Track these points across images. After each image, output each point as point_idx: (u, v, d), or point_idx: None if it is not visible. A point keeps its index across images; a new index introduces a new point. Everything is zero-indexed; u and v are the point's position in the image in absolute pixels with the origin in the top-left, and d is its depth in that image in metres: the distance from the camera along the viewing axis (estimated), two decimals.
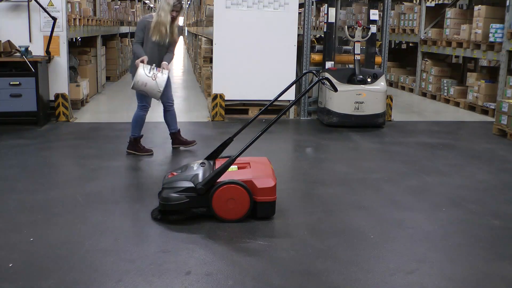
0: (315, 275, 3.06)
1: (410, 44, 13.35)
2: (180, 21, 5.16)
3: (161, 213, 3.82)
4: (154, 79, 5.12)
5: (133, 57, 5.43)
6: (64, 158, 5.74)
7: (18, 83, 6.74)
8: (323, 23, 10.19)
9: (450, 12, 9.90)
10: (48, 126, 7.03)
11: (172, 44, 5.44)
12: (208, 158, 4.23)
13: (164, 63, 5.34)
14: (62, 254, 3.23)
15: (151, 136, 6.78)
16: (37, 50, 7.15)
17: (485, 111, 8.78)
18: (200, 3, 13.19)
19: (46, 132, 6.69)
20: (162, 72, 5.21)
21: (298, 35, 7.97)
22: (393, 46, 14.81)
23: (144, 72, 5.12)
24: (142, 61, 5.21)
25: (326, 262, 3.22)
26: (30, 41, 7.18)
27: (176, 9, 5.26)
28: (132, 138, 5.62)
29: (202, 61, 11.18)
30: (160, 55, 5.41)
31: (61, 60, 7.38)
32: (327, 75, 7.02)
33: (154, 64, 5.23)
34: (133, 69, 5.35)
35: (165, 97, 5.59)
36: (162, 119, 7.78)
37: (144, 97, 5.47)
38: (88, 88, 9.03)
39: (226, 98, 7.68)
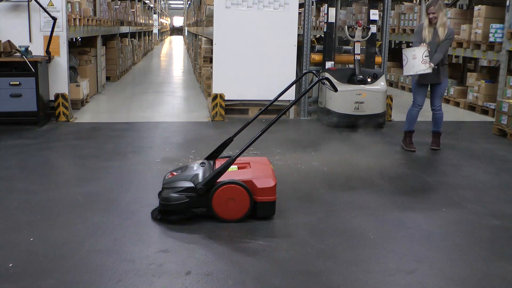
0: (315, 275, 3.06)
1: (410, 44, 13.33)
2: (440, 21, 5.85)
3: (161, 213, 3.82)
4: (422, 62, 5.68)
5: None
6: (64, 158, 5.74)
7: (18, 83, 6.74)
8: (323, 23, 10.18)
9: (450, 12, 9.89)
10: (48, 126, 7.03)
11: (440, 44, 5.81)
12: (208, 158, 4.23)
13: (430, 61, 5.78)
14: (62, 254, 3.24)
15: (151, 135, 6.79)
16: (37, 50, 7.16)
17: (485, 111, 8.78)
18: (200, 3, 13.20)
19: (46, 132, 6.69)
20: (428, 63, 5.68)
21: (298, 35, 7.97)
22: (393, 46, 14.80)
23: (421, 52, 5.68)
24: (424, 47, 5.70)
25: (326, 262, 3.22)
26: (30, 41, 7.18)
27: (431, 11, 5.72)
28: (407, 131, 6.20)
29: (202, 61, 11.18)
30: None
31: (61, 60, 7.38)
32: (327, 75, 7.02)
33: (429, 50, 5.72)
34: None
35: (434, 102, 6.09)
36: (162, 119, 7.87)
37: (418, 95, 6.04)
38: (88, 88, 9.03)
39: (226, 98, 7.68)
